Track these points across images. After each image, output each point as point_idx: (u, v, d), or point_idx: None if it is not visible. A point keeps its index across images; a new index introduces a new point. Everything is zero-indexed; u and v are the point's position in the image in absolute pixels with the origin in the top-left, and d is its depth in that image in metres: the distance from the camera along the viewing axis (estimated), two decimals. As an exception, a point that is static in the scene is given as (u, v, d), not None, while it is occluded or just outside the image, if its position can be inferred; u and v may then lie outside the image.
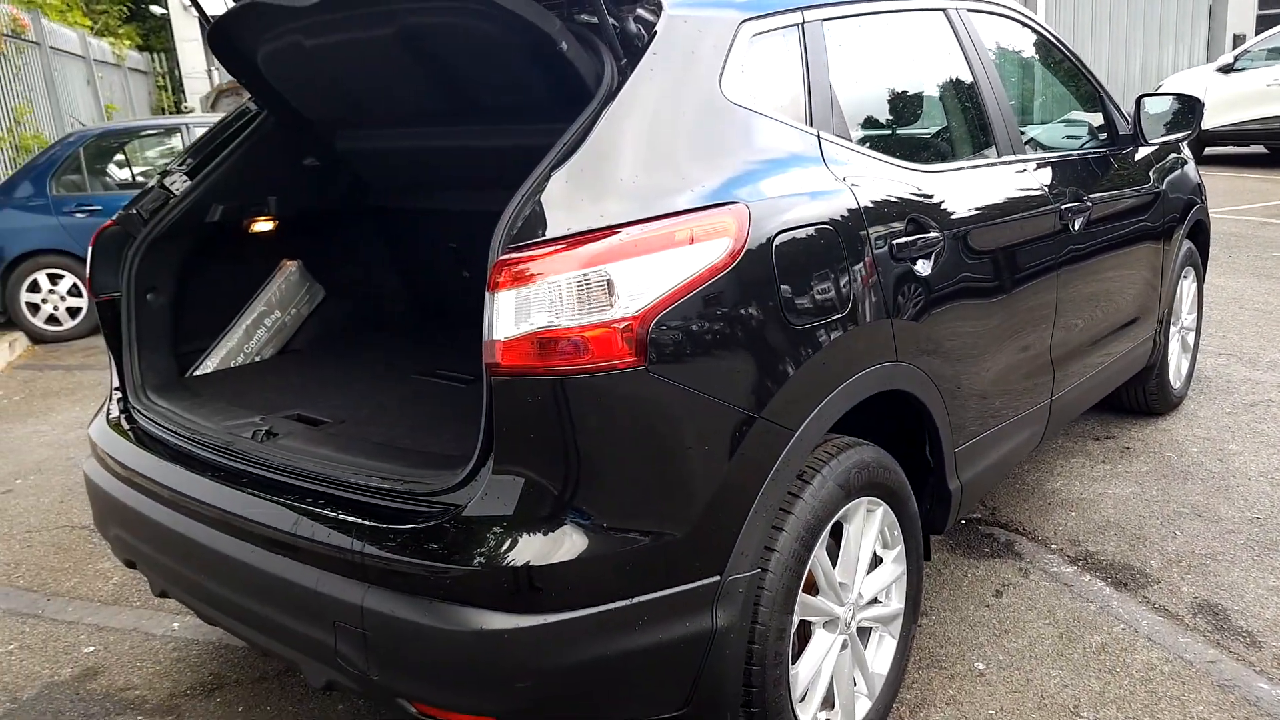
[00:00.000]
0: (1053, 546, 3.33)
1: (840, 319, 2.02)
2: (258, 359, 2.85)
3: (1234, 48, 13.59)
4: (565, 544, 1.68)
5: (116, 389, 2.57)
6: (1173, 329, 4.23)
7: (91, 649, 3.01)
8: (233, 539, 2.00)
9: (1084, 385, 3.36)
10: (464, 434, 2.13)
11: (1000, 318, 2.68)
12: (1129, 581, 3.08)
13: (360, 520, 1.82)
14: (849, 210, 2.09)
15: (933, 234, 2.33)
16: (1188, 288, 4.37)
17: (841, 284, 2.03)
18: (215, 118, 10.05)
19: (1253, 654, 2.68)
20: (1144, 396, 4.27)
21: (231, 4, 2.30)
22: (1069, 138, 3.72)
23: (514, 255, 1.65)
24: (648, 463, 1.73)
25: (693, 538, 1.78)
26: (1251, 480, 3.72)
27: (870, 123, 2.50)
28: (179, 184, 2.58)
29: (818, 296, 1.97)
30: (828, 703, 2.17)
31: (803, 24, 2.25)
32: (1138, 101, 3.69)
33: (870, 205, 2.17)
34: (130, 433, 2.41)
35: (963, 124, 2.86)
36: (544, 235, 1.66)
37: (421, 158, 2.84)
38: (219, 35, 2.50)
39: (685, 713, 1.87)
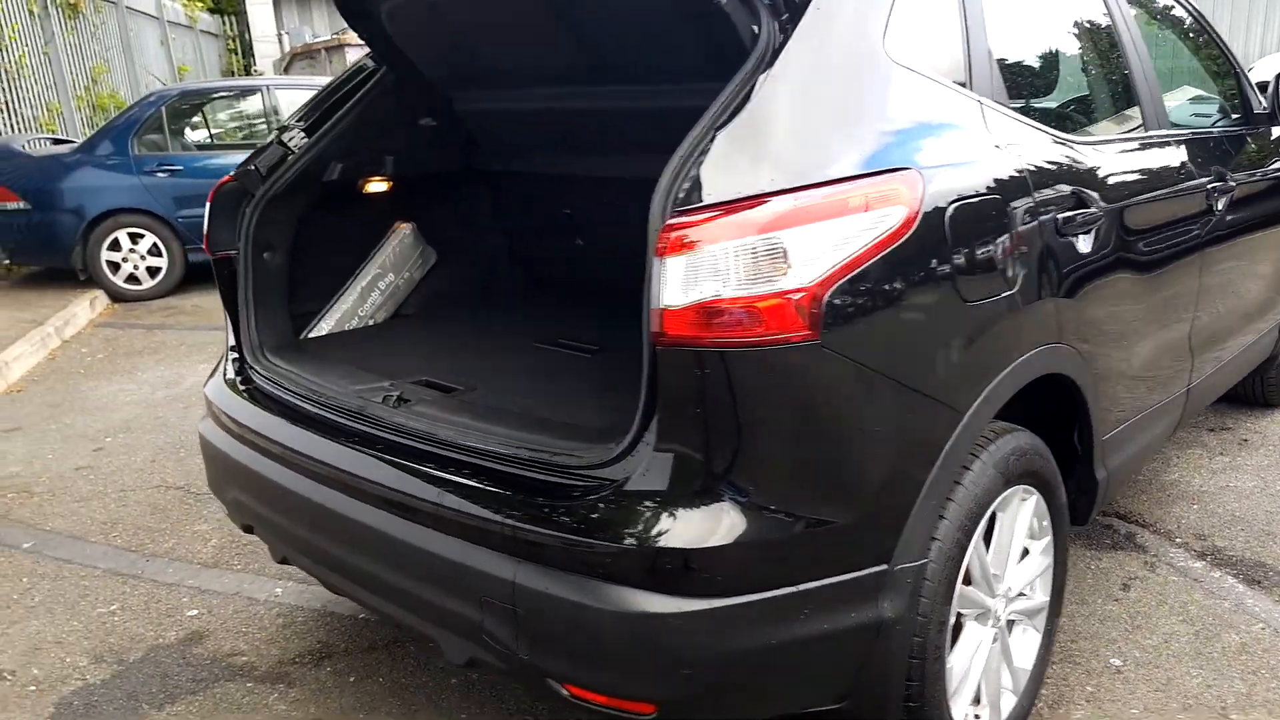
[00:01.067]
0: (1177, 540, 3.18)
1: (1010, 295, 1.90)
2: (371, 322, 2.79)
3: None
4: (729, 525, 1.59)
5: (233, 349, 2.52)
6: (1297, 317, 4.02)
7: (195, 612, 3.00)
8: (368, 507, 1.94)
9: (1218, 373, 3.21)
10: (602, 406, 2.06)
11: (1150, 299, 2.54)
12: (1263, 579, 2.93)
13: (510, 492, 1.75)
14: (1015, 181, 1.97)
15: (1093, 209, 2.20)
16: (1313, 274, 4.15)
17: (1011, 259, 1.91)
18: (291, 79, 10.08)
19: (1405, 661, 2.53)
20: (1262, 388, 4.09)
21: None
22: (1198, 115, 3.53)
23: (682, 220, 1.55)
24: (818, 443, 1.63)
25: (861, 524, 1.69)
26: (1382, 478, 3.53)
27: (1026, 89, 2.36)
28: (297, 140, 2.52)
29: (989, 271, 1.85)
30: (976, 698, 2.07)
31: (966, -18, 2.11)
32: (1276, 79, 3.48)
33: (1035, 176, 2.04)
34: (251, 393, 2.37)
35: (1113, 95, 2.70)
36: (712, 199, 1.56)
37: (544, 120, 2.75)
38: None
39: (844, 706, 1.79)
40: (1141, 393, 2.63)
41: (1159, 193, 2.57)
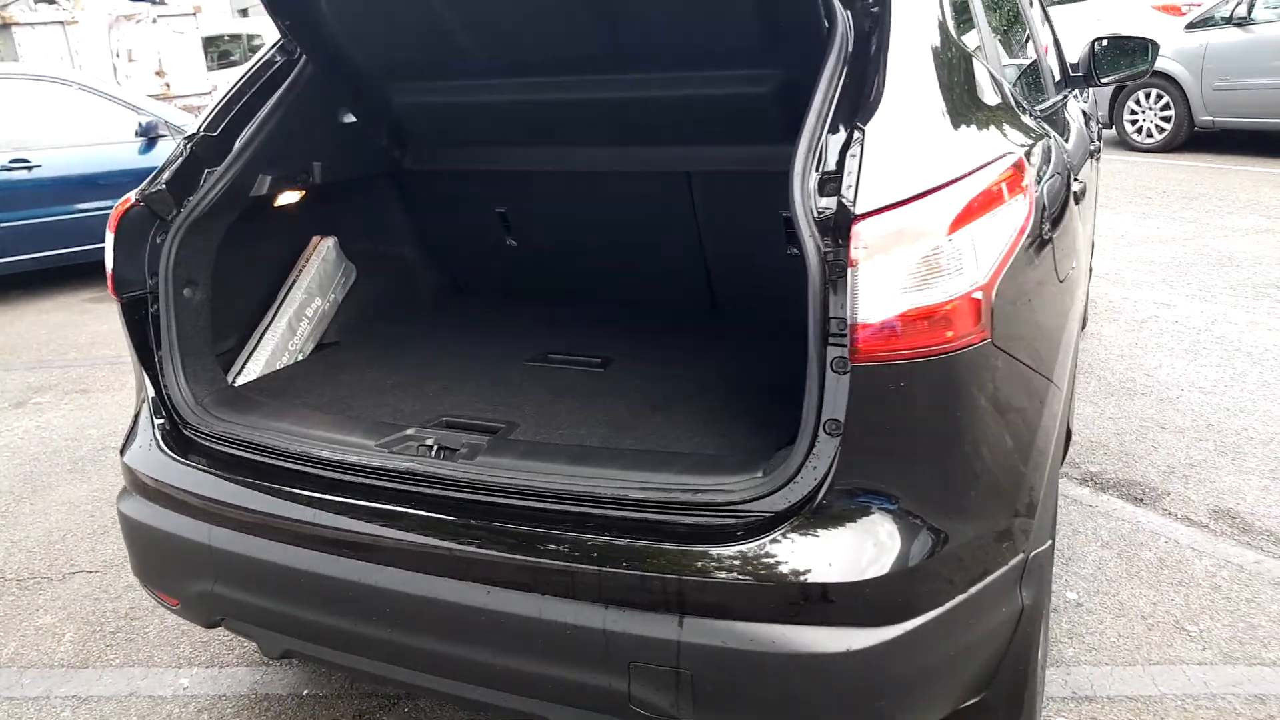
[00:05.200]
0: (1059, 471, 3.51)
1: (1077, 266, 1.97)
2: (300, 357, 2.37)
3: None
4: (916, 545, 1.52)
5: (156, 407, 2.05)
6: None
7: (87, 728, 2.45)
8: (446, 580, 1.65)
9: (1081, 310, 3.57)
10: (685, 427, 1.89)
11: (1080, 250, 2.76)
12: (1143, 496, 3.31)
13: (660, 542, 1.55)
14: (1058, 159, 2.03)
15: (1077, 180, 2.32)
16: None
17: (1069, 232, 1.97)
18: None
19: (1283, 550, 2.96)
20: (1067, 320, 4.60)
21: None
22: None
23: (863, 225, 1.43)
24: (989, 447, 1.59)
25: (1013, 517, 1.68)
26: (1185, 391, 4.10)
27: (1005, 69, 2.44)
28: (217, 151, 2.06)
29: (1064, 247, 1.91)
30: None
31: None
32: (1091, 45, 3.87)
33: (1051, 152, 2.11)
34: (208, 459, 1.93)
35: (1034, 66, 2.88)
36: (888, 200, 1.45)
37: (495, 111, 2.44)
38: None
39: (984, 697, 1.78)
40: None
41: (1080, 153, 2.78)
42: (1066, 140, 2.76)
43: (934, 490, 1.54)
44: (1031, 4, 3.63)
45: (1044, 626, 1.87)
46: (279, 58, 2.28)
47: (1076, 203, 2.20)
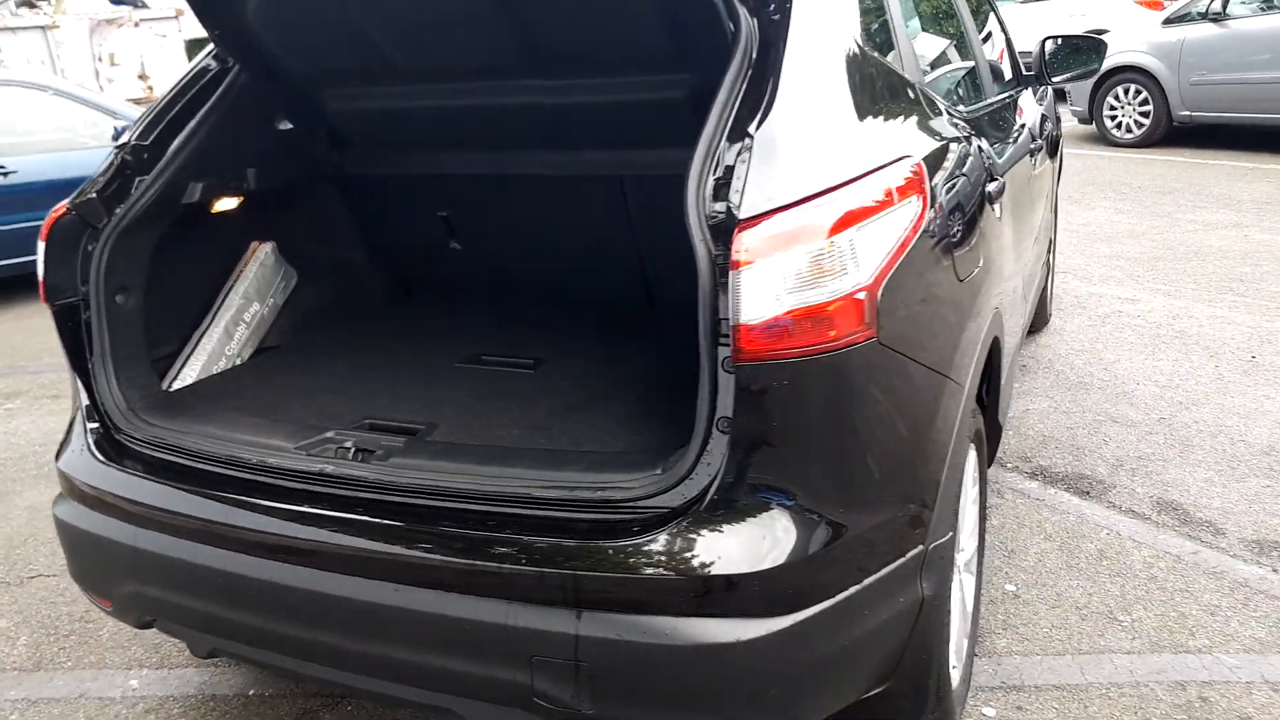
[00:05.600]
0: (1009, 465, 3.55)
1: (982, 268, 2.01)
2: (239, 361, 2.41)
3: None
4: (807, 538, 1.56)
5: (90, 412, 2.09)
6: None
7: (35, 730, 2.50)
8: (357, 579, 1.70)
9: (1031, 308, 3.60)
10: (600, 427, 1.93)
11: (1018, 252, 2.78)
12: (1090, 490, 3.35)
13: (560, 539, 1.59)
14: (969, 158, 2.07)
15: (998, 179, 2.36)
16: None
17: (978, 234, 2.01)
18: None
19: (1221, 541, 3.00)
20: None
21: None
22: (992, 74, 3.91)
23: (747, 230, 1.48)
24: (876, 443, 1.64)
25: (910, 509, 1.72)
26: (1140, 385, 4.15)
27: (930, 70, 2.48)
28: (146, 160, 2.10)
29: (969, 249, 1.95)
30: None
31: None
32: (1041, 43, 3.91)
33: (965, 154, 2.15)
34: (137, 464, 1.98)
35: (971, 67, 2.92)
36: (773, 204, 1.50)
37: (433, 116, 2.48)
38: None
39: (887, 687, 1.83)
40: (1015, 339, 2.89)
41: (1019, 152, 2.82)
42: (1004, 141, 2.80)
43: (826, 484, 1.58)
44: (980, 6, 3.69)
45: (975, 618, 1.92)
46: (213, 65, 2.32)
47: (991, 203, 2.24)
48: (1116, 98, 9.38)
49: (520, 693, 1.62)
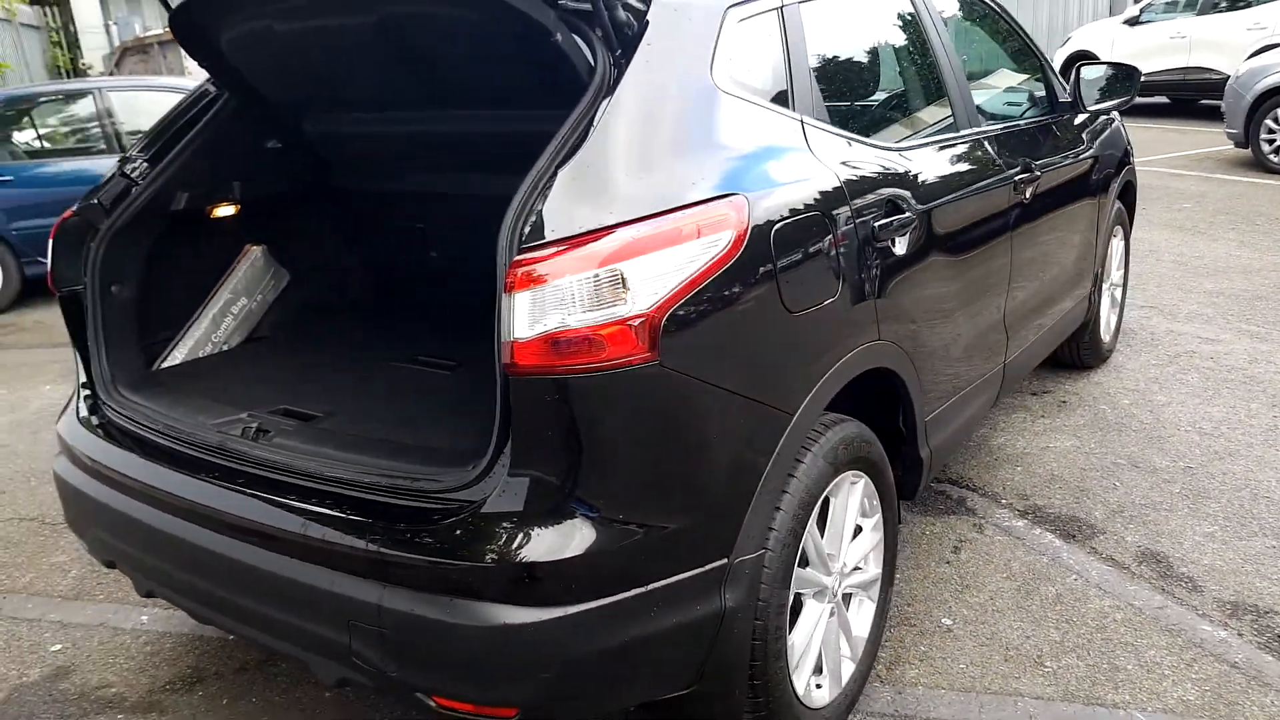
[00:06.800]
0: (1003, 501, 3.49)
1: (832, 303, 2.08)
2: (225, 347, 2.79)
3: (1136, 0, 13.99)
4: (581, 538, 1.72)
5: (84, 385, 2.49)
6: (1104, 286, 4.42)
7: (58, 647, 2.95)
8: (233, 540, 1.98)
9: (1032, 346, 3.52)
10: (462, 426, 2.15)
11: (963, 289, 2.78)
12: (1076, 533, 3.26)
13: (373, 520, 1.83)
14: (835, 195, 2.14)
15: (907, 213, 2.39)
16: (1117, 246, 4.56)
17: (832, 269, 2.09)
18: (127, 80, 9.50)
19: (1194, 598, 2.87)
20: (1078, 352, 4.47)
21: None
22: (1010, 104, 3.83)
23: (528, 256, 1.65)
24: (661, 456, 1.77)
25: (703, 524, 1.84)
26: (1181, 430, 3.94)
27: (846, 104, 2.54)
28: (141, 171, 2.49)
29: (812, 282, 2.03)
30: (818, 669, 2.26)
31: (782, 7, 2.27)
32: (1077, 70, 3.81)
33: (852, 189, 2.22)
34: (107, 431, 2.35)
35: (926, 101, 2.93)
36: (555, 235, 1.67)
37: (393, 141, 2.79)
38: (182, 18, 2.40)
39: (696, 689, 1.94)
40: (960, 374, 2.88)
41: (970, 189, 2.80)
42: (961, 177, 2.76)
43: (607, 490, 1.73)
44: (1000, 32, 3.63)
45: (778, 631, 2.00)
46: (211, 88, 2.70)
47: (889, 238, 2.28)
48: (1276, 120, 8.68)
49: (343, 651, 1.85)
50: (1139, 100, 13.54)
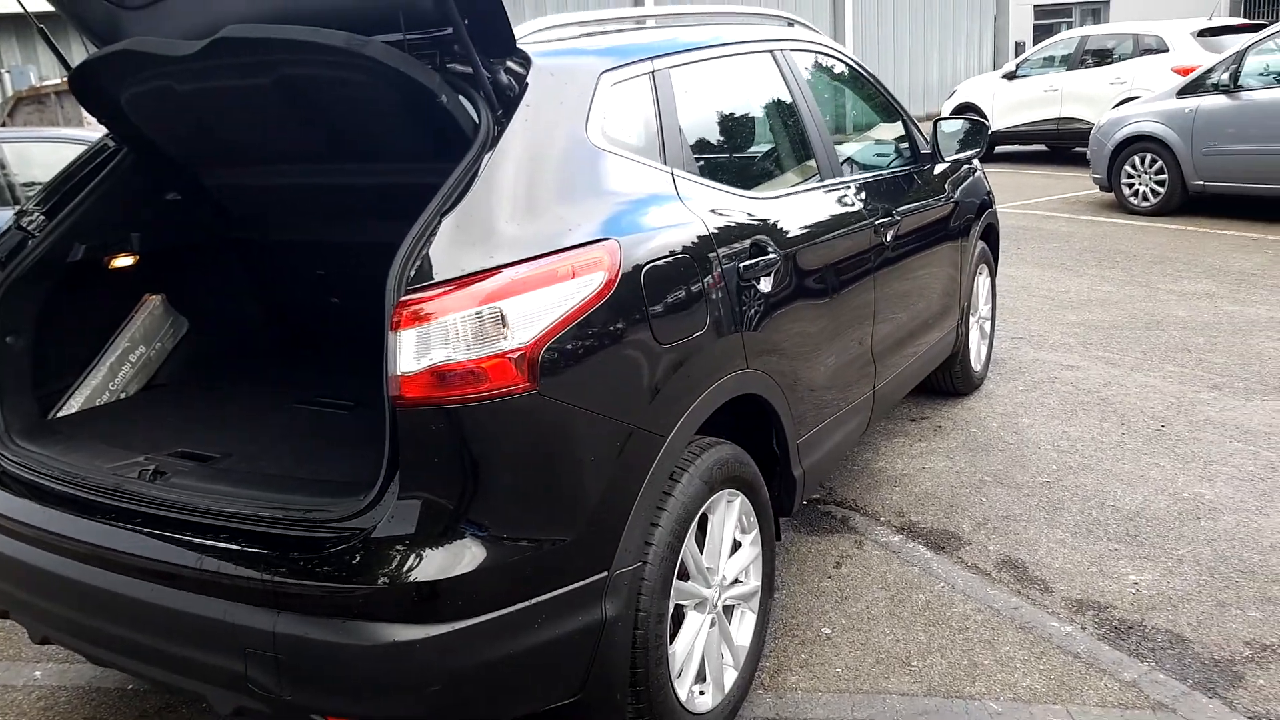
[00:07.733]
0: (881, 519, 3.74)
1: (700, 336, 2.28)
2: (123, 395, 2.84)
3: (1016, 54, 14.95)
4: (468, 557, 1.86)
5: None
6: (972, 319, 4.77)
7: (-55, 708, 2.91)
8: (130, 579, 2.06)
9: (900, 375, 3.80)
10: (356, 460, 2.27)
11: (829, 323, 3.03)
12: (945, 545, 3.52)
13: (268, 551, 1.93)
14: (702, 239, 2.36)
15: (771, 255, 2.63)
16: (983, 283, 4.93)
17: (699, 305, 2.30)
18: (20, 131, 9.27)
19: (1046, 599, 3.15)
20: (950, 380, 4.80)
21: (98, 50, 2.32)
22: (879, 155, 4.16)
23: (413, 296, 1.81)
24: (542, 477, 1.94)
25: (583, 539, 2.00)
26: (1042, 449, 4.28)
27: (714, 157, 2.78)
28: (38, 224, 2.56)
29: (680, 317, 2.23)
30: (700, 676, 2.43)
31: (653, 72, 2.50)
32: (935, 124, 4.17)
33: (719, 233, 2.44)
34: (0, 480, 2.39)
35: (791, 153, 3.20)
36: (440, 277, 1.83)
37: (291, 192, 2.91)
38: (83, 76, 2.49)
39: (580, 698, 2.09)
40: (831, 400, 3.12)
41: (831, 234, 3.07)
42: (817, 222, 2.99)
43: (493, 510, 1.88)
44: (866, 92, 3.94)
45: (659, 640, 2.16)
46: (110, 142, 2.79)
47: (754, 277, 2.51)
48: (1134, 166, 9.40)
49: (239, 679, 1.94)
50: (1019, 149, 14.58)
